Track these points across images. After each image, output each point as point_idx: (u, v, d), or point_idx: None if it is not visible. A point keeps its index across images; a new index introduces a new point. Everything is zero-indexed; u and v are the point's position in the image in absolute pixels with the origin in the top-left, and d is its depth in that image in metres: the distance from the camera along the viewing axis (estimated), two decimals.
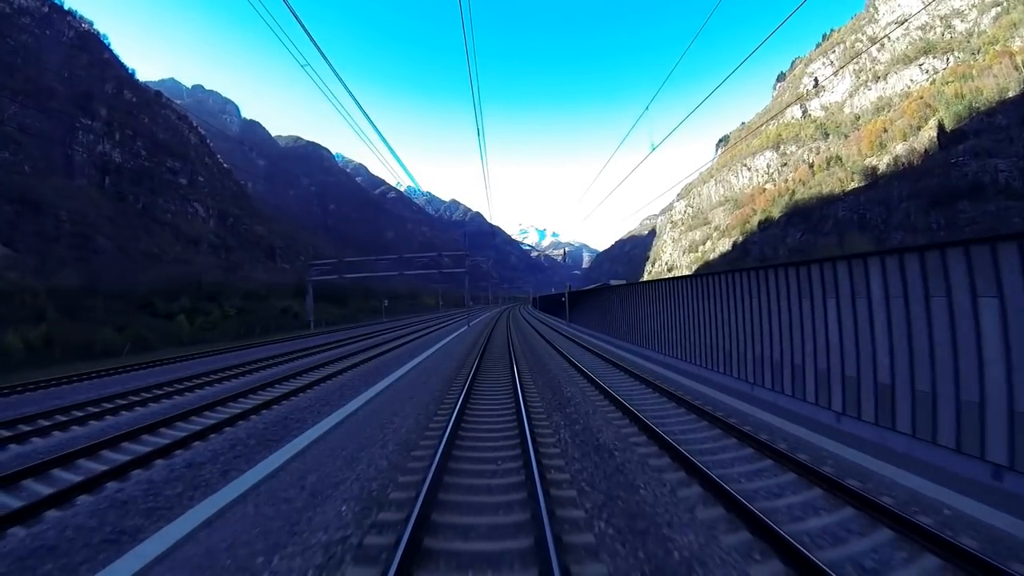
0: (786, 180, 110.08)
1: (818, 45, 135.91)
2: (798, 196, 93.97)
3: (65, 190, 78.23)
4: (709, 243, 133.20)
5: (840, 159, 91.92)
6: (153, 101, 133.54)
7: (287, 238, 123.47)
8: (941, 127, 68.63)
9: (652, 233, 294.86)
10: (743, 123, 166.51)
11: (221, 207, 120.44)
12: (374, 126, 12.41)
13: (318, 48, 8.65)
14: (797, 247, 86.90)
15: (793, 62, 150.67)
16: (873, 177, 76.55)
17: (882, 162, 77.25)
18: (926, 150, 69.26)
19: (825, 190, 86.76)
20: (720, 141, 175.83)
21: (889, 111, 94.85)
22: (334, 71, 9.56)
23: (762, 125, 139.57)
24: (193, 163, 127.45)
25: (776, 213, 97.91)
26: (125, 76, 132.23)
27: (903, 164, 70.98)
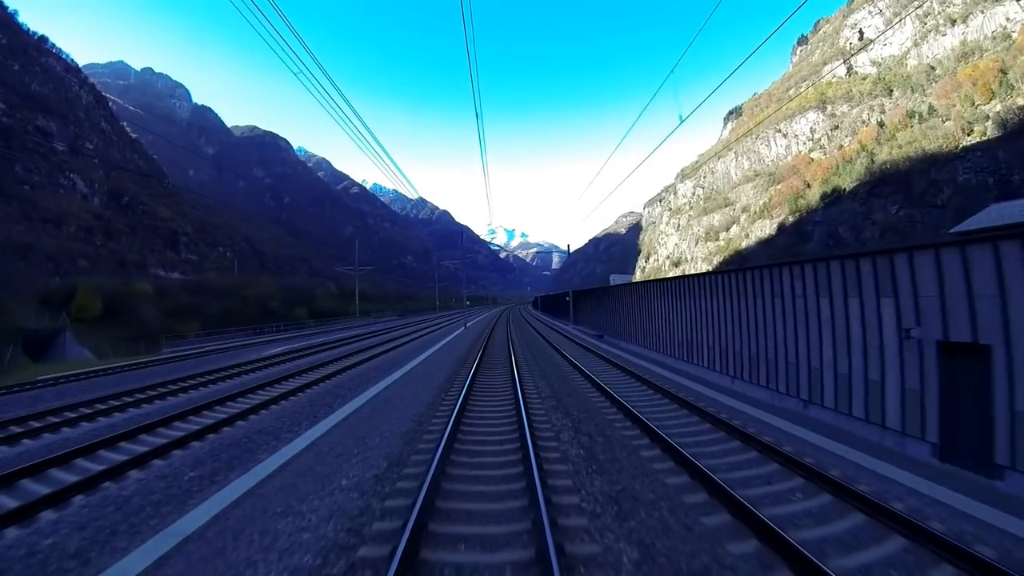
0: (840, 146, 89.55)
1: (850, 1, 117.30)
2: (881, 158, 72.83)
3: None
4: (736, 228, 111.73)
5: (934, 109, 71.39)
6: (33, 47, 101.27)
7: (205, 226, 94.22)
8: None
9: (633, 228, 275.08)
10: (755, 93, 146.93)
11: (116, 183, 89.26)
12: (367, 128, 13.13)
13: (311, 50, 9.43)
14: (895, 224, 65.53)
15: (816, 23, 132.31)
16: (1016, 125, 55.84)
17: None
18: None
19: (930, 147, 65.85)
20: (730, 113, 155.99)
21: (981, 55, 75.42)
22: (328, 77, 10.47)
23: (788, 91, 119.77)
24: (80, 126, 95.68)
25: (847, 183, 76.67)
26: None
27: None
